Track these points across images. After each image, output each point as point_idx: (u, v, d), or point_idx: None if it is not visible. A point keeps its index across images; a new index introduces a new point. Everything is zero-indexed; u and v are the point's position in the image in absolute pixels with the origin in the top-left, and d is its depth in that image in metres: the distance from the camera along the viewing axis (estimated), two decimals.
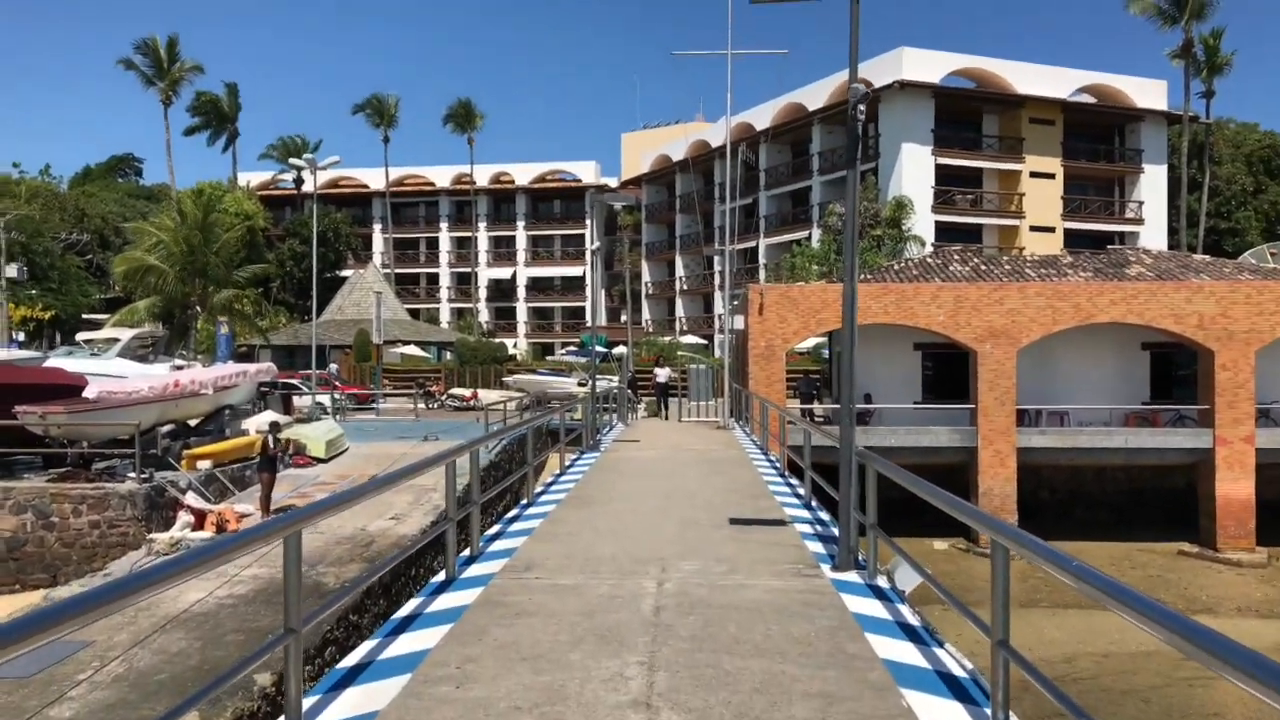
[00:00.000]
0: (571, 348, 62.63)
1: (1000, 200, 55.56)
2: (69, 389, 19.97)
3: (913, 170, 52.29)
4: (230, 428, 23.29)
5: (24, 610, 8.79)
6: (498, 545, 8.51)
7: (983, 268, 30.70)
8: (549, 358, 66.12)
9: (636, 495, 11.57)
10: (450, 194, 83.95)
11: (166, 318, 38.85)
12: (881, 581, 7.05)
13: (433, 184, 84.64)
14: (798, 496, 11.55)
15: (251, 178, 78.51)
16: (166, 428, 20.59)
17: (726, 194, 29.85)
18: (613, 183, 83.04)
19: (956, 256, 32.84)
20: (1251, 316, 24.66)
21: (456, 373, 47.29)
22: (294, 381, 36.55)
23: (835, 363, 30.70)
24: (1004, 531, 4.07)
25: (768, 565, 7.53)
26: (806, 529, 9.26)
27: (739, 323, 28.74)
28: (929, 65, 53.12)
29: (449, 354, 55.25)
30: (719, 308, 57.40)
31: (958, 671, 5.06)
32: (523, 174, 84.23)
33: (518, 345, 76.26)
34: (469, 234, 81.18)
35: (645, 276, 76.38)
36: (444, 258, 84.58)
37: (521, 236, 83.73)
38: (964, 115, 54.23)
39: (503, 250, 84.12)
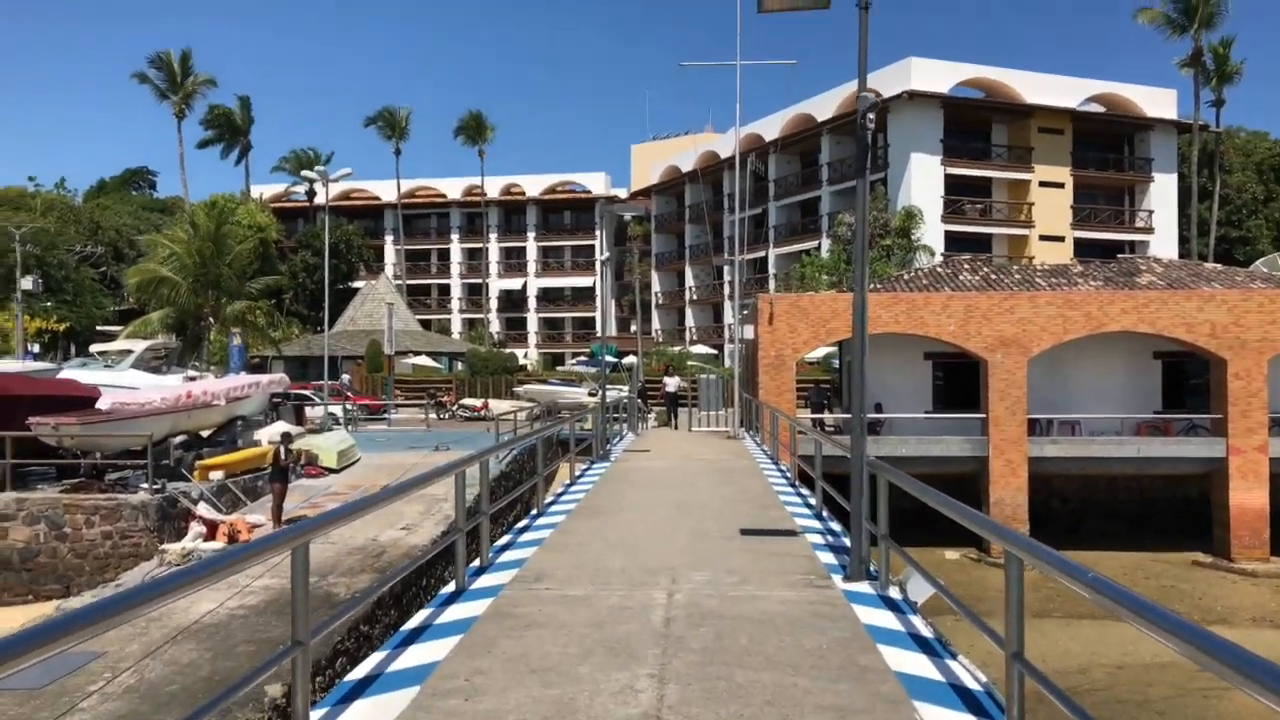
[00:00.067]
0: (582, 358, 62.68)
1: (1009, 210, 55.43)
2: (82, 400, 20.06)
3: (922, 180, 52.25)
4: (242, 438, 23.34)
5: (36, 620, 8.80)
6: (508, 556, 8.49)
7: (993, 277, 30.61)
8: (559, 368, 66.16)
9: (647, 505, 11.54)
10: (461, 205, 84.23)
11: (179, 329, 39.10)
12: (894, 592, 6.99)
13: (444, 196, 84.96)
14: (809, 507, 11.49)
15: (264, 190, 78.89)
16: (179, 438, 20.64)
17: (736, 204, 29.84)
18: (622, 193, 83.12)
19: (966, 266, 32.77)
20: (1264, 325, 24.53)
21: (468, 383, 47.35)
22: (306, 392, 36.71)
23: (846, 372, 30.62)
24: (1018, 542, 4.02)
25: (779, 576, 7.49)
26: (818, 539, 9.20)
27: (749, 332, 28.73)
28: (937, 75, 53.15)
29: (460, 364, 55.38)
30: (729, 317, 57.24)
31: (971, 684, 5.00)
32: (533, 185, 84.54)
33: (528, 355, 76.36)
34: (480, 245, 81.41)
35: (655, 286, 76.37)
36: (455, 269, 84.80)
37: (532, 247, 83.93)
38: (973, 125, 54.18)
39: (513, 261, 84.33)
